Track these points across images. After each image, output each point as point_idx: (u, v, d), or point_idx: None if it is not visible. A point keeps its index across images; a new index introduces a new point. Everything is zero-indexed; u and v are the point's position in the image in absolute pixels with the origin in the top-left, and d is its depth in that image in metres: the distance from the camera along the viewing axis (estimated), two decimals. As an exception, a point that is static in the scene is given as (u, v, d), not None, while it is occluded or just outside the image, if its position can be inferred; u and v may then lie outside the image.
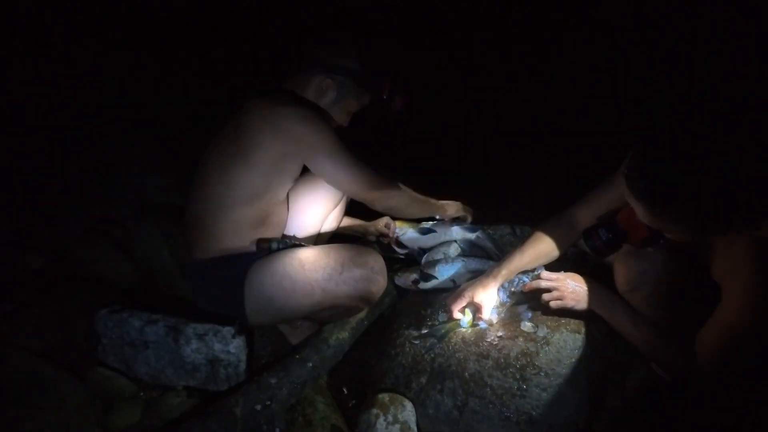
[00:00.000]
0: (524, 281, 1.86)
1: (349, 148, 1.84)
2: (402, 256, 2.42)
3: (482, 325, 1.80)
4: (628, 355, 1.66)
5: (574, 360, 1.66)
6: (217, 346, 1.76)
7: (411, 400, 1.72)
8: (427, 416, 1.69)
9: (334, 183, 1.89)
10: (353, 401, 1.89)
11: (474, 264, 2.14)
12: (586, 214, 1.75)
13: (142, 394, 1.79)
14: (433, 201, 2.19)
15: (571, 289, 1.75)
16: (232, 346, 1.76)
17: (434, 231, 2.33)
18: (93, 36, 2.93)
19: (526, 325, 1.77)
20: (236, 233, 1.82)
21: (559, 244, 1.81)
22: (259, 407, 1.64)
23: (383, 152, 3.01)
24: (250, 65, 3.22)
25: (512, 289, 1.88)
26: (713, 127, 1.21)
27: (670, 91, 2.64)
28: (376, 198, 1.91)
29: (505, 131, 3.38)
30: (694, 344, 1.44)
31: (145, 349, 1.78)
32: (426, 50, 3.51)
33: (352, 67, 1.96)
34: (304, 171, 1.89)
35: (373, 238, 2.51)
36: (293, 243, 1.91)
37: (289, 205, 1.97)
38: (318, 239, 2.09)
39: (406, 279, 2.16)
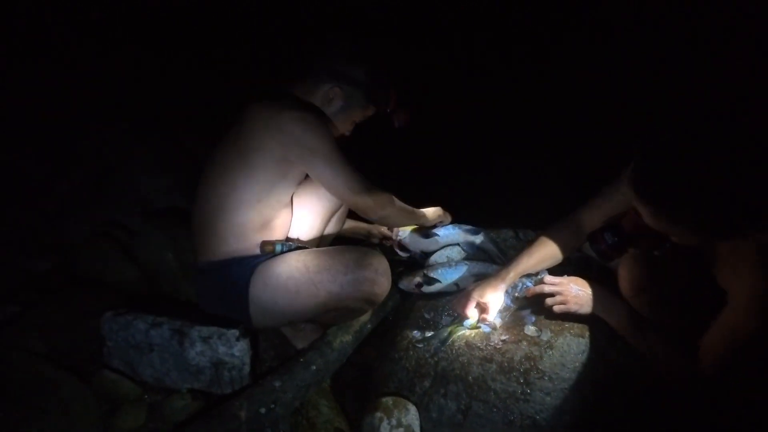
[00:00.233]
0: (528, 286, 1.87)
1: (348, 156, 1.84)
2: (404, 259, 2.42)
3: (486, 328, 1.81)
4: (632, 359, 1.66)
5: (577, 364, 1.66)
6: (222, 349, 1.76)
7: (415, 403, 1.72)
8: (430, 420, 1.69)
9: (329, 188, 1.88)
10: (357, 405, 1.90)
11: (477, 268, 2.14)
12: (591, 218, 1.76)
13: (146, 396, 1.80)
14: (417, 211, 2.19)
15: (574, 293, 1.75)
16: (236, 349, 1.77)
17: (437, 234, 2.33)
18: (93, 36, 2.91)
19: (530, 329, 1.78)
20: (240, 236, 1.82)
21: (565, 247, 1.82)
22: (263, 410, 1.65)
23: (383, 152, 3.04)
24: (251, 65, 3.22)
25: (515, 294, 1.89)
26: (718, 129, 1.21)
27: (670, 91, 2.64)
28: (369, 207, 1.91)
29: (505, 131, 3.38)
30: (698, 349, 1.44)
31: (150, 351, 1.78)
32: (426, 50, 3.51)
33: (360, 78, 1.96)
34: (308, 174, 1.89)
35: (375, 241, 2.52)
36: (297, 245, 1.92)
37: (293, 208, 1.97)
38: (321, 242, 2.09)
39: (409, 282, 2.16)
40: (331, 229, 2.15)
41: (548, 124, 3.26)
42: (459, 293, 1.89)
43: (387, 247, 2.45)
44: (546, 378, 1.64)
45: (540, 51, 3.39)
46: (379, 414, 1.67)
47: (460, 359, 1.74)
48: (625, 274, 1.66)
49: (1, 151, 2.48)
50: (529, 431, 1.59)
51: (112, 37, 2.97)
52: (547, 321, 1.81)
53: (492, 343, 1.76)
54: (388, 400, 1.72)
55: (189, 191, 1.95)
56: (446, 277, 2.12)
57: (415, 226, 2.34)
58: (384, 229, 2.46)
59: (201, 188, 1.90)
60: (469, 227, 2.37)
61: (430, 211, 2.28)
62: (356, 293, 1.81)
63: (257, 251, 1.84)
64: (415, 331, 1.93)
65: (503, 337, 1.78)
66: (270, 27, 3.30)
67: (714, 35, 2.58)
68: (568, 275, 1.83)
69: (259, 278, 1.81)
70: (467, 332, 1.83)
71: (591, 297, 1.74)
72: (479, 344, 1.77)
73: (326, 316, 1.93)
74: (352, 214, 2.27)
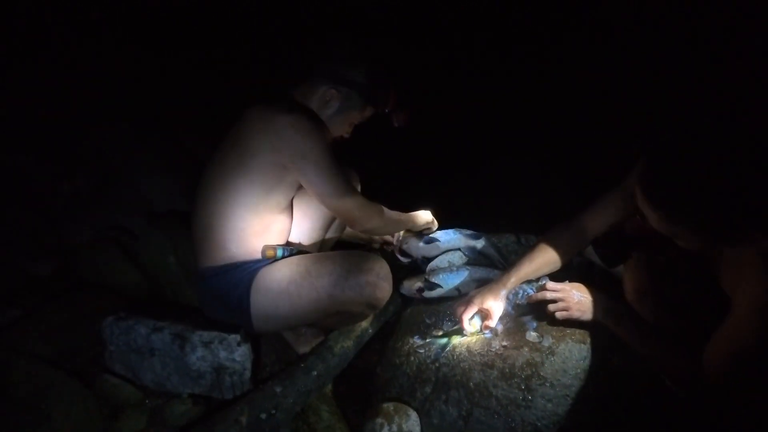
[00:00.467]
0: (529, 292, 1.86)
1: (339, 165, 1.84)
2: (406, 264, 2.42)
3: (487, 334, 1.80)
4: (634, 366, 1.66)
5: (579, 370, 1.65)
6: (223, 354, 1.76)
7: (416, 409, 1.72)
8: (431, 426, 1.69)
9: (317, 195, 1.86)
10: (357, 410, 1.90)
11: (479, 273, 2.14)
12: (594, 222, 1.75)
13: (147, 401, 1.80)
14: (404, 216, 2.19)
15: (576, 299, 1.74)
16: (237, 354, 1.77)
17: (438, 240, 2.32)
18: (93, 36, 2.91)
19: (532, 335, 1.77)
20: (241, 241, 1.82)
21: (566, 252, 1.81)
22: (264, 416, 1.66)
23: (382, 153, 3.05)
24: (251, 65, 3.22)
25: (517, 301, 1.88)
26: (726, 132, 1.20)
27: (670, 91, 2.64)
28: (356, 218, 1.92)
29: (505, 131, 3.38)
30: (701, 355, 1.43)
31: (151, 356, 1.78)
32: (426, 50, 3.50)
33: (358, 80, 1.96)
34: None
35: (376, 246, 2.52)
36: (298, 250, 1.92)
37: (294, 213, 1.97)
38: (322, 246, 2.09)
39: (410, 288, 2.17)
40: (332, 233, 2.15)
41: (548, 125, 3.25)
42: (460, 298, 1.88)
43: (388, 253, 2.45)
44: (548, 384, 1.63)
45: (540, 51, 3.38)
46: (380, 420, 1.67)
47: (462, 365, 1.74)
48: (629, 278, 1.66)
49: (2, 153, 2.48)
50: (531, 438, 1.59)
51: (112, 37, 2.96)
52: (549, 327, 1.80)
53: (493, 349, 1.75)
54: (389, 406, 1.72)
55: (190, 193, 1.95)
56: (448, 282, 2.12)
57: (415, 233, 2.35)
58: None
59: (200, 193, 1.90)
60: (470, 232, 2.36)
61: (420, 215, 2.28)
62: (358, 297, 1.81)
63: (258, 256, 1.84)
64: (417, 337, 1.92)
65: (504, 343, 1.76)
66: (270, 27, 3.29)
67: (714, 35, 2.58)
68: (570, 281, 1.82)
69: (261, 283, 1.81)
70: (468, 338, 1.82)
71: (593, 303, 1.73)
72: (480, 350, 1.76)
73: (327, 321, 1.93)
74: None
